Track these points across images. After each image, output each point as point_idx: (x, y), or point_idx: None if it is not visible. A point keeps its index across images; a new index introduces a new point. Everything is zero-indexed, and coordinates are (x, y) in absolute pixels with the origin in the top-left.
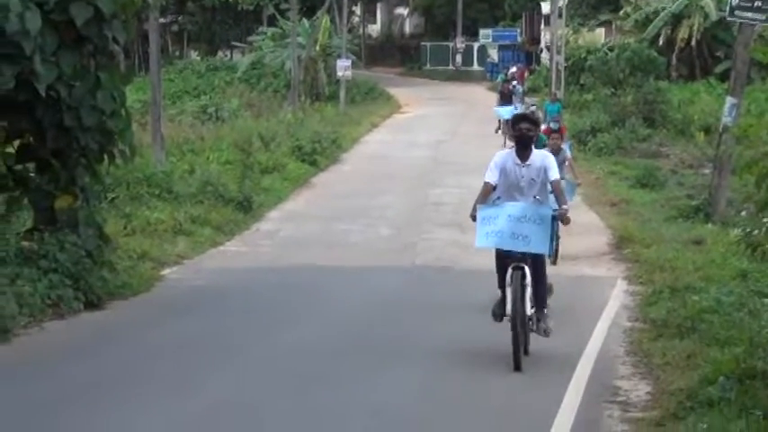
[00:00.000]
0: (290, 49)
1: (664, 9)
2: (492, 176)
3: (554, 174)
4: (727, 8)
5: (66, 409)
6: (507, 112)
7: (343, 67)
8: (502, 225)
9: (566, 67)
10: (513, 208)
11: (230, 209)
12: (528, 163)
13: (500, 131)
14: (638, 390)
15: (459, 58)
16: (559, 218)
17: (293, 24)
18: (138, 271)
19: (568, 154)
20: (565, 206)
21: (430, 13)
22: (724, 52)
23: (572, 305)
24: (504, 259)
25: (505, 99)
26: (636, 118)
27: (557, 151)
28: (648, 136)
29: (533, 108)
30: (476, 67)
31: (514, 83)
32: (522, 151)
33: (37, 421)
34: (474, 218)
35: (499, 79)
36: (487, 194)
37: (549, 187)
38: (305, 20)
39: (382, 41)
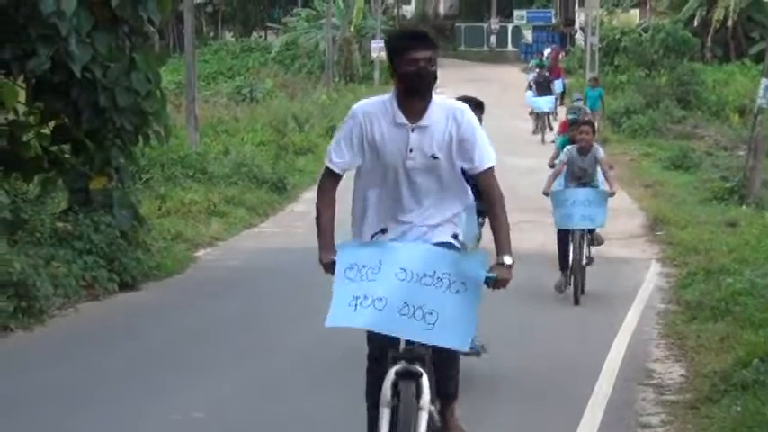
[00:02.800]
0: (325, 29)
1: None
2: (340, 155)
3: (485, 154)
4: None
5: (101, 390)
6: (547, 102)
7: (378, 48)
8: (387, 289)
9: (600, 48)
10: (405, 253)
11: (264, 190)
12: (423, 123)
13: (537, 128)
14: (672, 372)
15: (493, 39)
16: (498, 283)
17: (328, 5)
18: (173, 252)
19: (601, 154)
20: (507, 257)
21: None
22: (759, 33)
23: (606, 287)
24: (384, 350)
25: (542, 88)
26: (670, 99)
27: (586, 150)
28: (683, 117)
29: (579, 103)
30: (510, 48)
31: (555, 79)
32: (410, 98)
33: (73, 403)
34: (328, 266)
35: (532, 63)
36: (330, 192)
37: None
38: (339, 0)
39: (416, 22)
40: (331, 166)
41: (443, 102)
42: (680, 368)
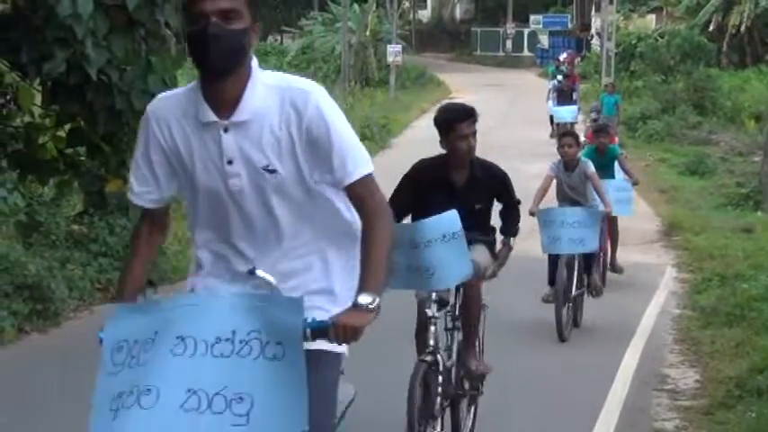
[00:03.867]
0: (341, 33)
1: None
2: (142, 181)
3: (351, 159)
4: None
5: None
6: (569, 112)
7: (394, 53)
8: (160, 374)
9: (616, 53)
10: (186, 313)
11: None
12: (239, 117)
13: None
14: (687, 378)
15: (509, 43)
16: (341, 332)
17: (344, 9)
18: (187, 255)
19: (591, 169)
20: (366, 296)
21: None
22: None
23: (621, 292)
24: None
25: (564, 97)
26: (686, 105)
27: (572, 165)
28: (698, 123)
29: (594, 114)
30: (526, 52)
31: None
32: (214, 79)
33: (88, 405)
34: None
35: (550, 71)
36: (142, 239)
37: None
38: (356, 5)
39: (432, 27)
40: (134, 200)
41: (275, 80)
42: (694, 374)
